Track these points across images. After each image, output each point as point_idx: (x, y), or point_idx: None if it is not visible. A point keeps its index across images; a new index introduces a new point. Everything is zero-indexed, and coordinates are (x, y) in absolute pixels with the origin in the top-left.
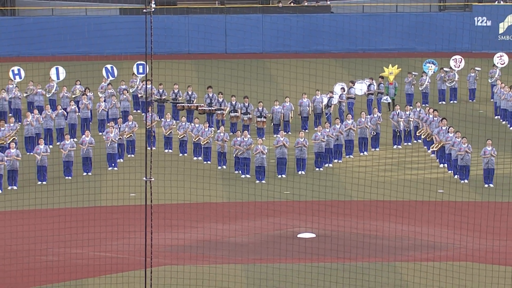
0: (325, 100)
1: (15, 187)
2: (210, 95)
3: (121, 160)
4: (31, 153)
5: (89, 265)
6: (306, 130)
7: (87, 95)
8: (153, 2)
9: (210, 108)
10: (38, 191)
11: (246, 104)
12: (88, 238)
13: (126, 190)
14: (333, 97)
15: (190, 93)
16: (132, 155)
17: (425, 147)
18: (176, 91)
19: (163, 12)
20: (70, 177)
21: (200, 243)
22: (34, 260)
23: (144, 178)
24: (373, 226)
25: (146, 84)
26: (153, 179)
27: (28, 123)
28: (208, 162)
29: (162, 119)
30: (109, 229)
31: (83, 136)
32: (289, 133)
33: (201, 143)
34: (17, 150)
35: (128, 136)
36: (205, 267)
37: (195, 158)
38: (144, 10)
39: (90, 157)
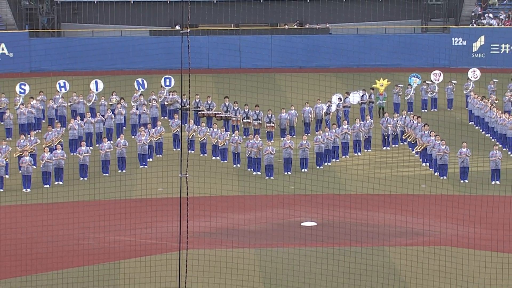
0: (325, 108)
1: (61, 183)
2: (227, 104)
3: (151, 160)
4: (74, 154)
5: (124, 249)
6: (309, 134)
7: (121, 104)
8: (178, 25)
9: (226, 115)
10: (80, 186)
11: (257, 111)
12: (122, 226)
13: (154, 185)
14: (331, 105)
15: (209, 102)
16: (160, 155)
17: (410, 148)
18: (197, 100)
19: (186, 34)
20: (107, 174)
21: (218, 230)
22: (78, 244)
23: (180, 175)
24: (365, 216)
25: (181, 94)
26: (188, 175)
27: (71, 127)
28: (225, 161)
29: (186, 124)
30: (140, 219)
31: (118, 139)
32: (294, 136)
33: (219, 145)
34: (63, 151)
35: (157, 139)
36: (222, 251)
37: (213, 158)
38: (181, 32)
39: (124, 157)
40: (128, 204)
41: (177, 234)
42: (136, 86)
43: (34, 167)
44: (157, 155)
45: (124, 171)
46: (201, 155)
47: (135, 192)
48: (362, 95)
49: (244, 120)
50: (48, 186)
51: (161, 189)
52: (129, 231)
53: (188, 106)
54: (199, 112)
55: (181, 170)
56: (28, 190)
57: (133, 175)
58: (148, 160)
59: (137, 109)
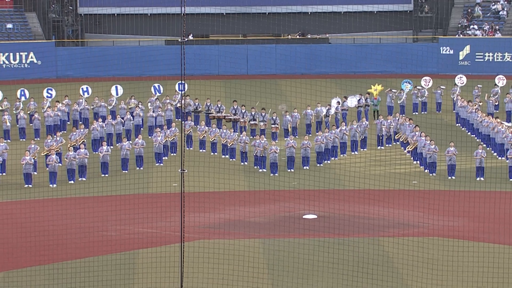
0: (324, 111)
1: (84, 179)
2: (235, 107)
3: (166, 158)
4: (96, 152)
5: (141, 240)
6: (310, 134)
7: (139, 107)
8: (191, 35)
9: (234, 117)
10: (101, 182)
11: (263, 114)
12: (140, 219)
13: (169, 180)
14: (330, 108)
15: (219, 105)
16: (174, 154)
17: (402, 148)
18: (208, 104)
19: (198, 43)
20: (126, 171)
21: (227, 222)
22: (98, 235)
23: (179, 170)
24: (361, 209)
25: (182, 98)
26: (186, 171)
27: (94, 129)
28: (233, 159)
29: (198, 126)
30: (155, 211)
31: (136, 139)
32: (296, 136)
33: (228, 144)
34: (86, 150)
35: (172, 139)
36: (230, 241)
37: (223, 156)
38: (180, 40)
39: (142, 156)
40: (144, 197)
41: (188, 225)
42: (152, 91)
43: (60, 164)
44: (172, 154)
45: (141, 168)
46: (212, 153)
47: (151, 187)
48: (359, 99)
49: (251, 122)
50: (72, 182)
51: (175, 184)
52: (146, 223)
53: (200, 109)
54: (210, 115)
55: (182, 166)
56: (54, 185)
57: (150, 172)
58: (164, 158)
59: (153, 111)
